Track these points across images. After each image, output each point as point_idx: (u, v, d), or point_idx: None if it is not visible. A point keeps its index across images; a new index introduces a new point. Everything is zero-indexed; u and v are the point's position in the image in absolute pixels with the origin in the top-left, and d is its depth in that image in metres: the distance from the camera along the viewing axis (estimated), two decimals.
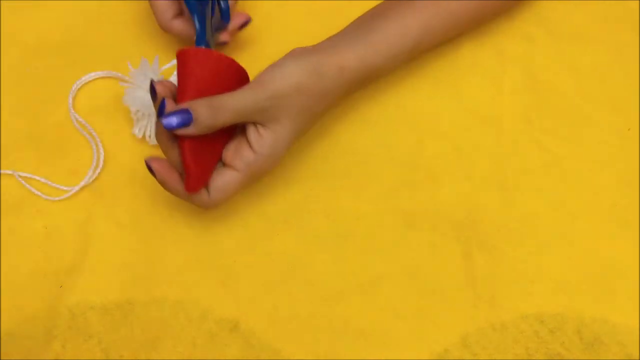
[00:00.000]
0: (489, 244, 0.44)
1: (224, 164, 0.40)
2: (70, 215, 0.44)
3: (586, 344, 0.41)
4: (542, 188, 0.45)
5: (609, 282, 0.43)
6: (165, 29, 0.45)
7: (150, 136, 0.45)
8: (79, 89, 0.48)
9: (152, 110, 0.44)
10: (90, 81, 0.48)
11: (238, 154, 0.39)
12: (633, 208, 0.45)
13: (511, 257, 0.43)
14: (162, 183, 0.39)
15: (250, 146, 0.39)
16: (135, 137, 0.46)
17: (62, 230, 0.44)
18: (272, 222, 0.44)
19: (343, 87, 0.41)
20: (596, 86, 0.49)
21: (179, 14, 0.45)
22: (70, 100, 0.47)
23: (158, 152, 0.46)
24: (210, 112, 0.37)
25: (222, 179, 0.39)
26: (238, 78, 0.40)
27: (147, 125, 0.45)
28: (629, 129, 0.47)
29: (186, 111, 0.36)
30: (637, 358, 0.40)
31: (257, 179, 0.40)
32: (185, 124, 0.36)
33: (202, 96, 0.37)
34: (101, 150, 0.46)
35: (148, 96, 0.43)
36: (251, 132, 0.39)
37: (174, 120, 0.36)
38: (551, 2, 0.52)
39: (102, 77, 0.48)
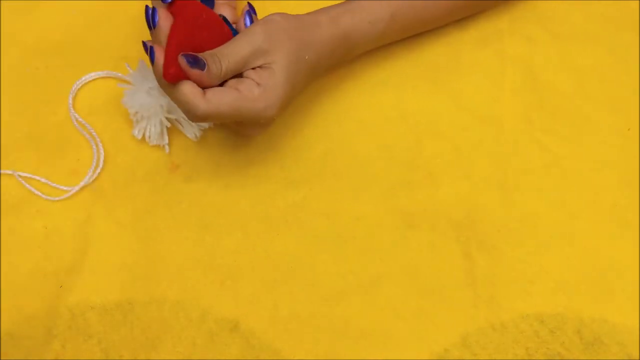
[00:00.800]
0: (489, 244, 0.44)
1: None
2: (70, 215, 0.44)
3: (586, 344, 0.41)
4: (542, 188, 0.45)
5: (609, 282, 0.43)
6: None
7: (149, 137, 0.45)
8: (79, 89, 0.48)
9: (152, 112, 0.44)
10: (90, 81, 0.48)
11: (240, 81, 0.39)
12: (633, 208, 0.45)
13: (511, 257, 0.43)
14: (158, 68, 0.38)
15: (252, 79, 0.39)
16: (135, 137, 0.46)
17: (62, 230, 0.44)
18: (272, 222, 0.44)
19: (325, 42, 0.41)
20: (596, 86, 0.49)
21: None
22: (70, 100, 0.47)
23: (159, 152, 0.46)
24: (215, 60, 0.38)
25: (220, 88, 0.39)
26: (220, 29, 0.41)
27: (147, 127, 0.45)
28: (629, 129, 0.47)
29: (201, 60, 0.37)
30: (637, 358, 0.40)
31: (248, 110, 0.39)
32: (201, 67, 0.37)
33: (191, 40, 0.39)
34: (101, 150, 0.46)
35: (147, 98, 0.43)
36: (251, 72, 0.39)
37: (189, 61, 0.37)
38: (551, 2, 0.52)
39: (102, 77, 0.48)
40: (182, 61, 0.37)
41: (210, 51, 0.39)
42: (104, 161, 0.46)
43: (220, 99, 0.38)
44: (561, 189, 0.45)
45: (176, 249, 0.43)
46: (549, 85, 0.49)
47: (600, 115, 0.48)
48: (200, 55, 0.38)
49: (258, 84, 0.39)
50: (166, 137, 0.45)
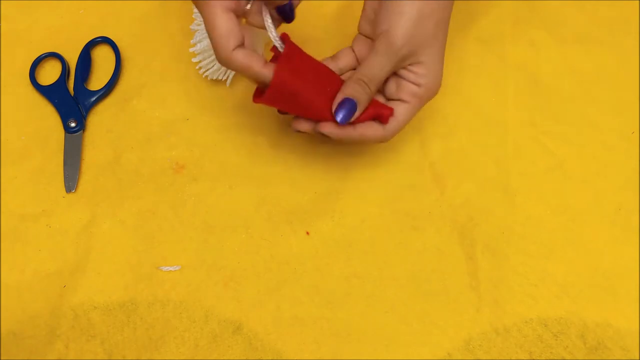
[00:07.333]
0: (493, 248, 0.43)
1: (389, 99, 0.41)
2: (75, 214, 0.44)
3: (590, 348, 0.41)
4: (546, 191, 0.45)
5: (613, 286, 0.42)
6: (223, 60, 0.37)
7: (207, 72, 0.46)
8: None
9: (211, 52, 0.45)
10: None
11: (401, 88, 0.40)
12: (637, 212, 0.44)
13: (515, 260, 0.43)
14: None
15: (410, 81, 0.40)
16: (139, 138, 0.46)
17: (66, 230, 0.44)
18: (276, 224, 0.44)
19: None
20: (600, 89, 0.49)
21: (242, 43, 0.37)
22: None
23: (164, 152, 0.46)
24: (361, 86, 0.39)
25: (395, 111, 0.40)
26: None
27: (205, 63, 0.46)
28: (632, 132, 0.47)
29: (348, 100, 0.38)
30: None
31: (424, 104, 0.41)
32: (353, 110, 0.38)
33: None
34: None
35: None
36: (404, 72, 0.40)
37: (344, 114, 0.38)
38: (554, 4, 0.52)
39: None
40: (343, 114, 0.38)
41: (356, 78, 0.39)
42: (109, 162, 0.46)
43: (399, 123, 0.40)
44: (565, 193, 0.45)
45: (180, 250, 0.43)
46: (552, 89, 0.49)
47: (603, 118, 0.48)
48: (349, 95, 0.38)
49: (417, 85, 0.40)
50: (226, 74, 0.46)
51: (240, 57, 0.36)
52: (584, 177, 0.46)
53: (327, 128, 0.39)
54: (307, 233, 0.44)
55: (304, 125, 0.40)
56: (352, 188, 0.45)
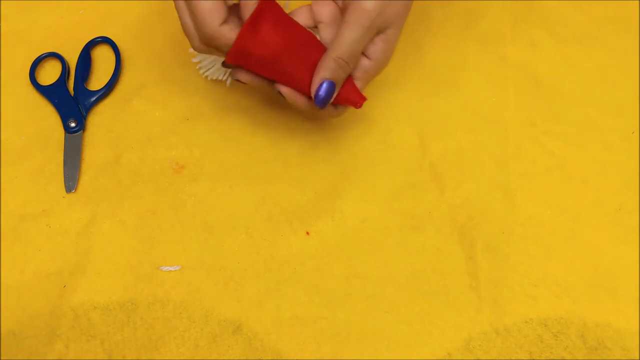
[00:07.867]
0: (493, 248, 0.43)
1: None
2: (75, 214, 0.44)
3: (590, 348, 0.41)
4: (546, 191, 0.45)
5: (613, 286, 0.42)
6: (209, 37, 0.36)
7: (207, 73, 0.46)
8: None
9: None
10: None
11: (358, 66, 0.40)
12: (637, 212, 0.44)
13: (515, 260, 0.43)
14: (293, 102, 0.40)
15: (365, 54, 0.39)
16: (139, 138, 0.46)
17: (66, 230, 0.44)
18: (276, 223, 0.44)
19: None
20: (600, 89, 0.49)
21: (228, 16, 0.36)
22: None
23: (164, 152, 0.46)
24: (341, 66, 0.38)
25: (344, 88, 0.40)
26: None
27: (207, 66, 0.45)
28: (632, 132, 0.47)
29: (327, 82, 0.38)
30: None
31: (371, 81, 0.41)
32: (332, 92, 0.38)
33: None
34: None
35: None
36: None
37: (323, 98, 0.38)
38: (554, 4, 0.52)
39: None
40: (322, 97, 0.38)
41: (334, 57, 0.37)
42: (110, 162, 0.46)
43: None
44: (565, 193, 0.45)
45: (180, 250, 0.43)
46: (552, 89, 0.49)
47: (603, 118, 0.48)
48: (328, 78, 0.38)
49: (370, 59, 0.39)
50: (226, 74, 0.46)
51: (226, 30, 0.35)
52: (584, 177, 0.46)
53: (284, 89, 0.39)
54: (307, 233, 0.44)
55: (244, 76, 0.39)
56: (352, 188, 0.45)
